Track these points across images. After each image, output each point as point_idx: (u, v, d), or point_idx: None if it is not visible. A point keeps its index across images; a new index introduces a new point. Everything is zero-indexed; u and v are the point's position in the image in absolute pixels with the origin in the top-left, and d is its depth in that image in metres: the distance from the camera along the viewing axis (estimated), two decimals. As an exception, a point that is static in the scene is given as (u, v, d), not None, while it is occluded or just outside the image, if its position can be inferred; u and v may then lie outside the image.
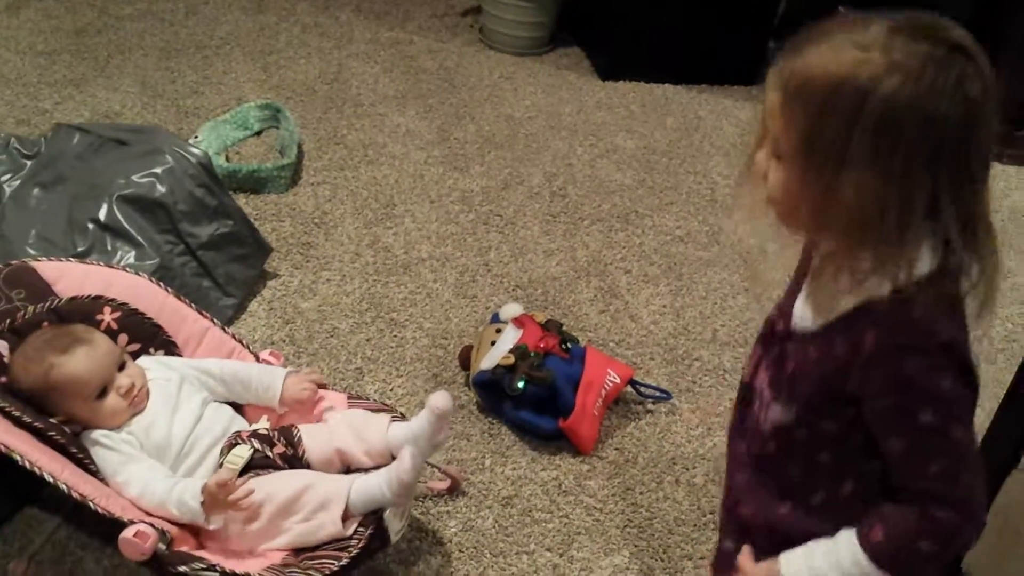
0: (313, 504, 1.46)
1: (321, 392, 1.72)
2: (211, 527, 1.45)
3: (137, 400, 1.56)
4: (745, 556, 1.04)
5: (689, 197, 2.85)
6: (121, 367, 1.58)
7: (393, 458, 1.55)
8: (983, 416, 2.13)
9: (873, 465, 0.99)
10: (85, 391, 1.52)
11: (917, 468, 0.92)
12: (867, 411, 0.95)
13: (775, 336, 1.08)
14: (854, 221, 0.89)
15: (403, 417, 1.66)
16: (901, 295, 0.90)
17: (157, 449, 1.54)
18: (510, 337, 2.04)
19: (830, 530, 1.01)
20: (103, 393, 1.53)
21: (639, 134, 3.13)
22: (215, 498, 1.42)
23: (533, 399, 1.94)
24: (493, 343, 2.04)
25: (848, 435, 0.98)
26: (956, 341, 0.91)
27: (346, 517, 1.46)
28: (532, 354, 1.97)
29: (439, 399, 1.53)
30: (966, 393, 0.92)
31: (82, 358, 1.53)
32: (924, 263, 0.91)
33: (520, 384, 1.93)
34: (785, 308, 1.07)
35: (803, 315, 1.01)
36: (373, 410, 1.66)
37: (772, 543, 1.07)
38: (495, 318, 2.16)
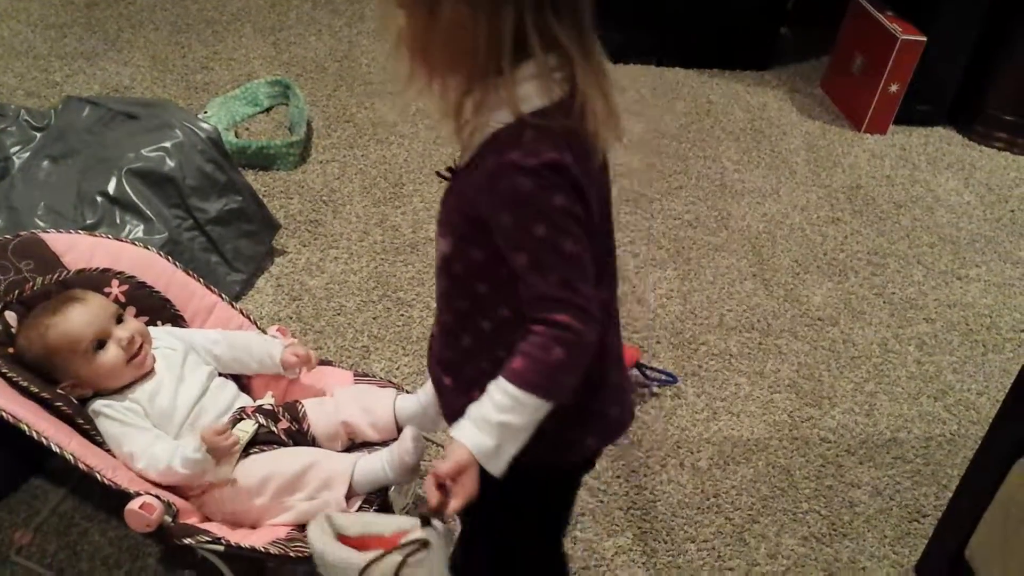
0: (317, 482, 1.46)
1: (328, 369, 1.72)
2: (222, 477, 1.46)
3: (140, 358, 1.55)
4: (437, 467, 1.05)
5: (698, 182, 2.84)
6: (119, 321, 1.57)
7: (400, 431, 1.55)
8: (989, 405, 2.14)
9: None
10: (81, 345, 1.51)
11: (538, 279, 0.99)
12: (494, 231, 1.00)
13: (447, 181, 1.14)
14: (456, 54, 0.97)
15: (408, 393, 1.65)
16: (520, 122, 0.97)
17: (161, 417, 1.54)
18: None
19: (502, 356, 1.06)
20: (102, 347, 1.53)
21: (649, 118, 3.11)
22: (215, 444, 1.42)
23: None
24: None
25: (496, 264, 1.03)
26: (564, 162, 0.97)
27: (350, 496, 1.47)
28: (538, 335, 1.97)
29: None
30: (577, 210, 0.98)
31: (74, 314, 1.53)
32: (533, 98, 0.98)
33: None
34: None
35: (462, 158, 1.08)
36: (379, 387, 1.66)
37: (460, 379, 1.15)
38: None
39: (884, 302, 2.48)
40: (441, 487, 1.04)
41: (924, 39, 3.04)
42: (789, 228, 2.70)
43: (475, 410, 1.03)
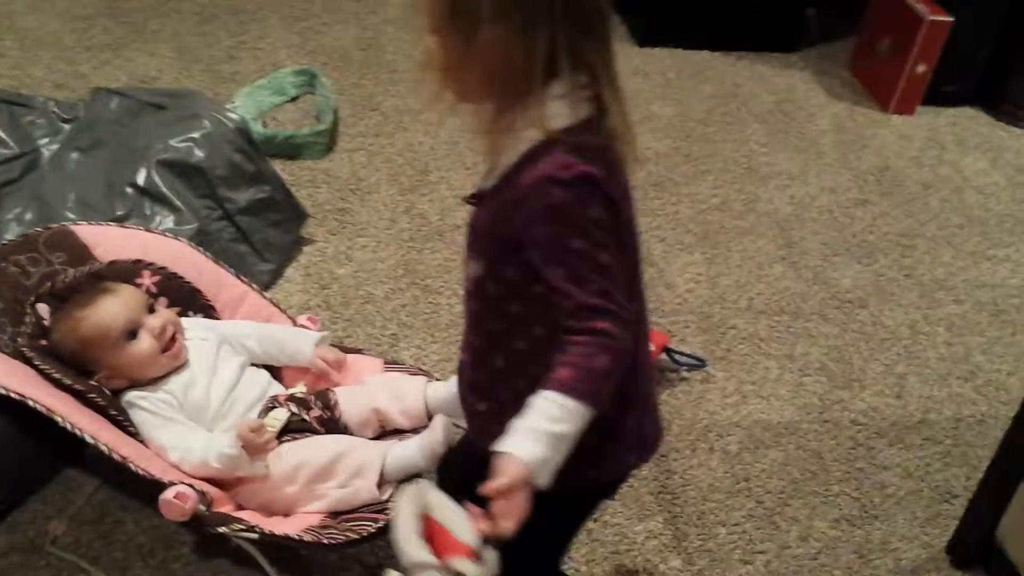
0: (349, 471, 1.47)
1: (358, 357, 1.73)
2: (256, 472, 1.47)
3: (175, 350, 1.57)
4: (489, 484, 1.01)
5: (726, 165, 2.82)
6: (151, 311, 1.58)
7: (431, 419, 1.55)
8: (1019, 386, 2.12)
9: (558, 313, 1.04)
10: (114, 334, 1.52)
11: (576, 290, 0.98)
12: (529, 248, 1.00)
13: (473, 206, 1.14)
14: (489, 76, 0.98)
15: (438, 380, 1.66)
16: (551, 139, 0.98)
17: (195, 409, 1.56)
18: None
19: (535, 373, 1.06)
20: (134, 336, 1.54)
21: (675, 101, 3.10)
22: (250, 441, 1.43)
23: (567, 366, 1.94)
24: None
25: (529, 282, 1.03)
26: (597, 175, 0.97)
27: (381, 483, 1.48)
28: (566, 321, 1.97)
29: None
30: (610, 223, 0.99)
31: (106, 305, 1.54)
32: (562, 116, 0.99)
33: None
34: (482, 183, 1.13)
35: (485, 178, 1.08)
36: (410, 374, 1.67)
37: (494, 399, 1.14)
38: (529, 285, 2.16)
39: (913, 283, 2.46)
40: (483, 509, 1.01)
41: (951, 19, 3.00)
42: (817, 210, 2.68)
43: (523, 423, 1.01)
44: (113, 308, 1.54)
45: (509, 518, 0.99)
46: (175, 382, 1.56)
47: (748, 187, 2.74)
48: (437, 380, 1.66)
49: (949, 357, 2.25)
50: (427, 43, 1.01)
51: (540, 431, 1.00)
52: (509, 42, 0.96)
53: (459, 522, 1.07)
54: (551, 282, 1.00)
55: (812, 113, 3.13)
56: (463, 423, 1.77)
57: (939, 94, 3.19)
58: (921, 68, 3.09)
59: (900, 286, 2.44)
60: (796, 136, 3.01)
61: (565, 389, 0.99)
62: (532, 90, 0.98)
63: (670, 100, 3.10)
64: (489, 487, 0.99)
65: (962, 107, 3.26)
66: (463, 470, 1.32)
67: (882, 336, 2.28)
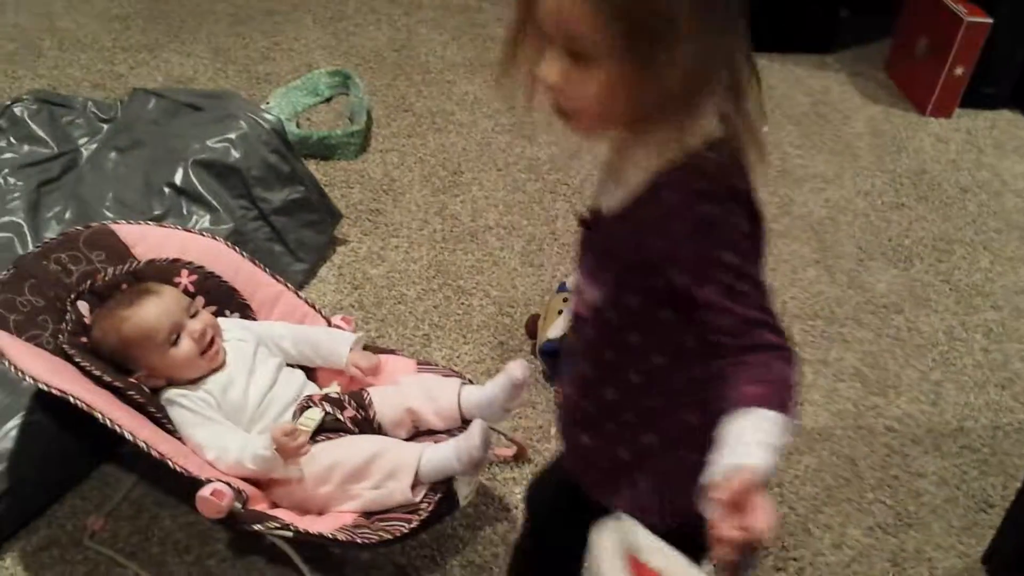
0: (383, 472, 1.48)
1: (391, 357, 1.74)
2: (293, 476, 1.48)
3: (213, 352, 1.58)
4: (719, 496, 0.88)
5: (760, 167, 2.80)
6: (193, 315, 1.60)
7: (463, 421, 1.56)
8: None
9: (683, 340, 1.00)
10: (157, 338, 1.55)
11: (735, 306, 0.93)
12: (677, 268, 0.95)
13: (588, 231, 1.08)
14: (664, 98, 0.90)
15: (472, 383, 1.67)
16: (693, 156, 0.93)
17: (233, 409, 1.57)
18: (577, 307, 2.03)
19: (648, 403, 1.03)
20: (176, 340, 1.56)
21: (709, 103, 3.08)
22: (283, 445, 1.44)
23: (600, 369, 1.94)
24: (560, 312, 2.04)
25: (653, 310, 0.99)
26: (745, 190, 0.93)
27: (415, 485, 1.48)
28: (599, 324, 1.97)
29: (518, 369, 1.54)
30: (760, 236, 0.96)
31: (150, 307, 1.56)
32: (711, 131, 0.93)
33: (587, 354, 1.93)
34: (594, 204, 1.07)
35: (608, 201, 1.02)
36: (443, 375, 1.68)
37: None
38: (562, 287, 2.16)
39: (950, 289, 2.44)
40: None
41: (990, 21, 2.97)
42: (853, 214, 2.66)
43: (740, 439, 0.90)
44: (157, 310, 1.56)
45: (759, 523, 0.86)
46: (214, 381, 1.58)
47: (782, 189, 2.73)
48: (470, 383, 1.66)
49: (986, 364, 2.22)
50: (557, 75, 0.92)
51: (762, 443, 0.89)
52: (698, 59, 0.88)
53: (681, 569, 0.96)
54: (706, 299, 0.94)
55: (847, 115, 3.11)
56: (499, 427, 1.79)
57: (977, 96, 3.15)
58: (959, 70, 3.06)
59: (936, 291, 2.42)
60: (831, 138, 2.98)
61: (765, 404, 0.91)
62: (694, 108, 0.92)
63: (704, 102, 3.08)
64: (719, 496, 0.86)
65: (1000, 110, 3.22)
66: (554, 504, 1.30)
67: (918, 342, 2.26)
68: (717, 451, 0.90)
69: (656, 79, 0.89)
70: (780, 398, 0.92)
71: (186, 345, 1.56)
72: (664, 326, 1.00)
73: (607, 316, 1.04)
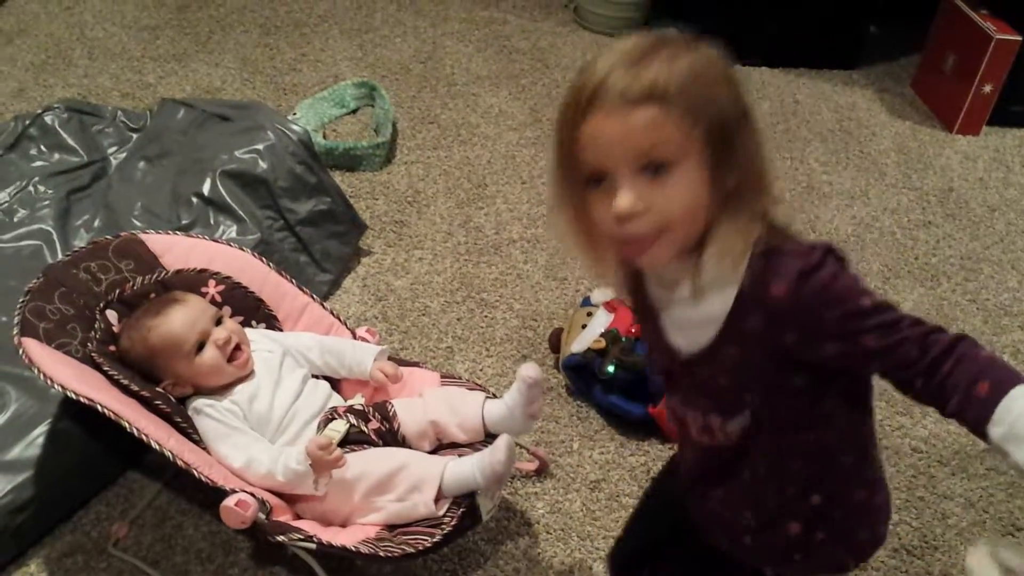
0: (407, 485, 1.48)
1: (415, 370, 1.74)
2: (319, 491, 1.48)
3: (242, 360, 1.59)
4: None
5: (785, 184, 2.80)
6: (218, 323, 1.61)
7: (487, 435, 1.56)
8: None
9: (823, 402, 1.02)
10: (184, 347, 1.56)
11: (905, 331, 0.93)
12: (820, 345, 0.95)
13: (675, 375, 1.08)
14: (753, 178, 0.94)
15: (495, 397, 1.67)
16: (761, 251, 0.94)
17: (259, 420, 1.58)
18: (601, 321, 2.03)
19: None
20: (201, 348, 1.57)
21: (734, 118, 3.07)
22: (319, 459, 1.44)
23: (623, 384, 1.94)
24: (584, 326, 2.04)
25: (815, 403, 1.01)
26: (829, 243, 0.95)
27: (438, 498, 1.48)
28: (623, 339, 1.96)
29: (529, 369, 1.54)
30: (848, 264, 0.96)
31: (176, 316, 1.57)
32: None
33: (610, 369, 1.93)
34: (659, 345, 1.07)
35: (687, 341, 1.03)
36: (468, 389, 1.68)
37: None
38: (586, 301, 2.15)
39: (977, 308, 2.42)
40: None
41: (1019, 39, 2.95)
42: (879, 231, 2.65)
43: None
44: (183, 319, 1.57)
45: None
46: (240, 392, 1.58)
47: (808, 206, 2.71)
48: (494, 396, 1.66)
49: (1013, 384, 2.20)
50: (637, 198, 0.92)
51: None
52: (760, 138, 0.94)
53: None
54: (873, 348, 0.93)
55: (874, 132, 3.10)
56: (521, 440, 1.78)
57: (1006, 114, 3.13)
58: (988, 88, 3.04)
59: (964, 311, 2.40)
60: (857, 155, 2.97)
61: (1003, 391, 0.89)
62: (768, 187, 0.94)
63: (729, 117, 3.07)
64: None
65: (1029, 128, 3.20)
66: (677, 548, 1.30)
67: (944, 361, 2.24)
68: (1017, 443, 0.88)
69: (735, 167, 0.92)
70: (1002, 381, 0.90)
71: (211, 353, 1.57)
72: (831, 414, 1.02)
73: (760, 439, 1.04)
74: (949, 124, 3.15)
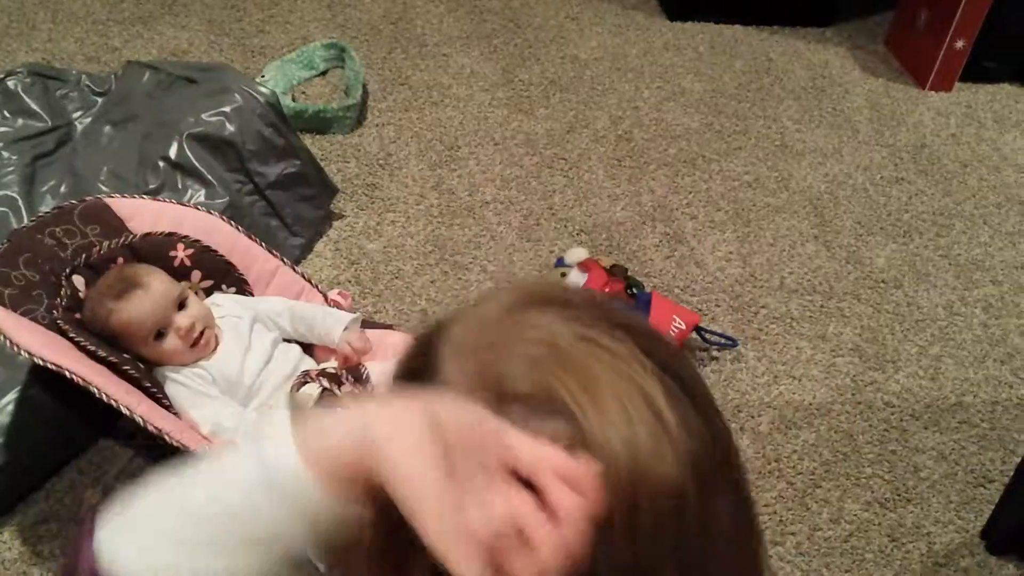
0: None
1: (388, 333, 1.73)
2: None
3: (201, 344, 1.57)
4: None
5: (758, 142, 2.79)
6: (182, 306, 1.59)
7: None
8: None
9: None
10: (142, 332, 1.54)
11: None
12: None
13: None
14: None
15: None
16: None
17: (228, 385, 1.57)
18: (575, 281, 2.03)
19: None
20: (161, 334, 1.56)
21: (707, 77, 3.07)
22: None
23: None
24: (558, 287, 2.03)
25: None
26: None
27: None
28: (598, 299, 1.96)
29: None
30: None
31: (136, 303, 1.55)
32: None
33: (585, 328, 1.92)
34: None
35: None
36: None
37: None
38: (560, 262, 2.15)
39: (950, 264, 2.43)
40: None
41: (993, -7, 2.94)
42: (852, 188, 2.65)
43: None
44: (143, 307, 1.55)
45: None
46: (209, 358, 1.57)
47: (781, 164, 2.71)
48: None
49: (986, 339, 2.22)
50: None
51: None
52: None
53: None
54: None
55: (847, 89, 3.09)
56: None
57: (978, 70, 3.13)
58: (960, 43, 3.03)
59: (936, 266, 2.41)
60: (830, 112, 2.97)
61: None
62: None
63: (701, 75, 3.07)
64: None
65: (1001, 84, 3.20)
66: None
67: (917, 317, 2.26)
68: None
69: None
70: None
71: (172, 341, 1.56)
72: None
73: None
74: (922, 80, 3.15)
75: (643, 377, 0.57)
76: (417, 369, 0.63)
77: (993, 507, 1.77)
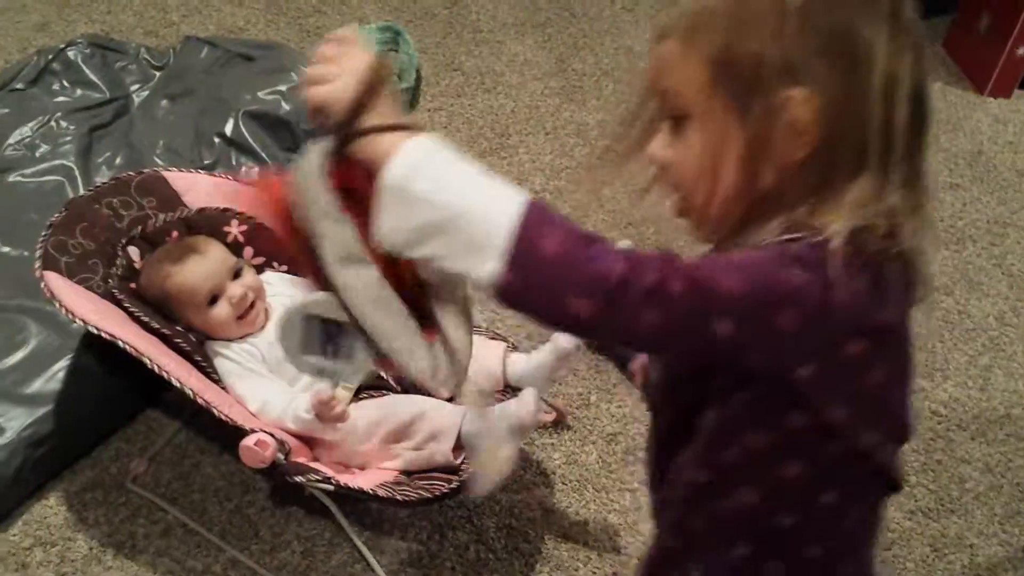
0: (424, 433, 1.48)
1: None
2: (329, 437, 1.49)
3: (252, 316, 1.58)
4: None
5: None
6: (236, 275, 1.60)
7: (506, 387, 1.55)
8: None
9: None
10: (196, 298, 1.55)
11: None
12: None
13: None
14: (813, 158, 0.72)
15: (515, 349, 1.66)
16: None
17: (277, 363, 1.57)
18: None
19: None
20: (214, 301, 1.56)
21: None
22: (321, 413, 1.44)
23: (644, 338, 1.92)
24: (606, 279, 2.02)
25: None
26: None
27: (456, 447, 1.48)
28: (645, 293, 1.95)
29: (566, 339, 1.53)
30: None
31: (193, 266, 1.57)
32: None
33: (631, 322, 1.91)
34: None
35: None
36: (489, 338, 1.67)
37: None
38: (608, 254, 2.14)
39: (1003, 273, 2.39)
40: None
41: (1059, -1, 2.89)
42: (905, 193, 2.61)
43: None
44: (200, 271, 1.56)
45: None
46: (259, 335, 1.58)
47: (834, 166, 2.68)
48: (514, 348, 1.65)
49: (1036, 351, 2.18)
50: (660, 146, 0.78)
51: None
52: (826, 113, 0.71)
53: None
54: None
55: (903, 92, 3.04)
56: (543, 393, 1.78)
57: (1039, 78, 3.08)
58: (1022, 50, 2.98)
59: (989, 275, 2.38)
60: (886, 115, 2.92)
61: None
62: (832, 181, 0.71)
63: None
64: None
65: (1062, 93, 3.14)
66: None
67: (967, 326, 2.22)
68: None
69: (767, 139, 0.70)
70: None
71: (223, 308, 1.56)
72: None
73: None
74: (980, 86, 3.09)
75: None
76: None
77: (1039, 522, 1.75)
